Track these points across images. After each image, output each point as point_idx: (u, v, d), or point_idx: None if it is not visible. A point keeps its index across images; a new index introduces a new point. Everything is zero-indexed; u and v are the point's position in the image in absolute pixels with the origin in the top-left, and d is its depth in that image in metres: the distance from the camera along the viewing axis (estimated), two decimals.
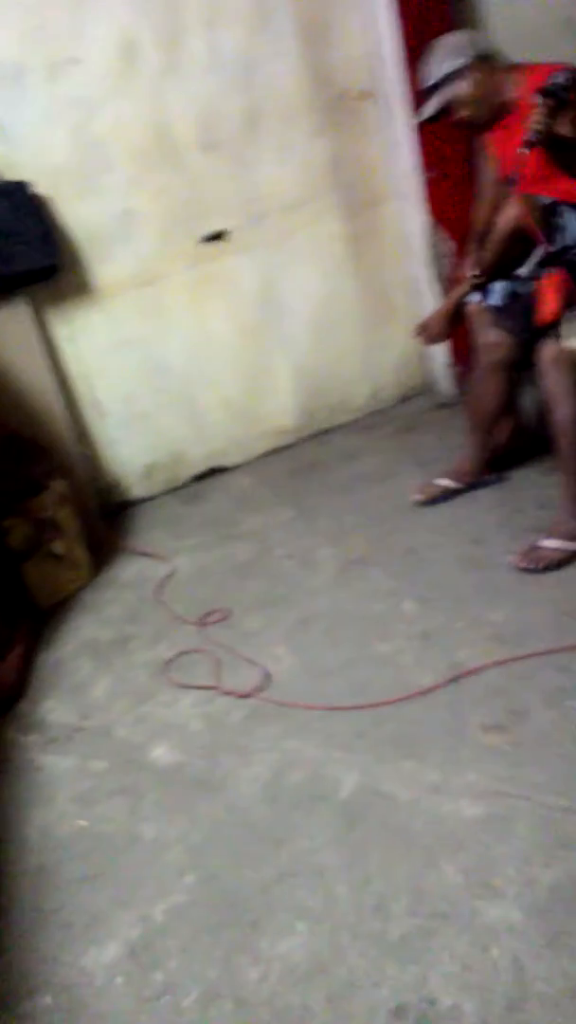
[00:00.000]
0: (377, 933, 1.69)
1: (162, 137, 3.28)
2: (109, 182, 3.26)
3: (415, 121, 2.84)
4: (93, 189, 3.24)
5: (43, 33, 3.01)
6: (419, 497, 3.09)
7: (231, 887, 1.87)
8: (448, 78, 2.63)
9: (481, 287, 2.97)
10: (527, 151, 2.48)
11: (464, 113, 2.67)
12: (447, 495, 3.08)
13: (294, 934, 1.73)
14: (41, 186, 3.10)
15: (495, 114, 2.66)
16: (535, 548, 2.61)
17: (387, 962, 1.63)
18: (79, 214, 3.24)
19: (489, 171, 2.92)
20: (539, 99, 2.43)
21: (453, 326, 3.10)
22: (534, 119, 2.46)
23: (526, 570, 2.59)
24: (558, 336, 2.51)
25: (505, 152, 2.71)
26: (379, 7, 3.31)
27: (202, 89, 3.27)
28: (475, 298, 3.00)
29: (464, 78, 2.62)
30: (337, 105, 3.45)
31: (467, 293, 3.01)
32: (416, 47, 3.27)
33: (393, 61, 3.35)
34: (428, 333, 3.12)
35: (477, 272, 2.96)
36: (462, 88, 2.62)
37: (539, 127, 2.43)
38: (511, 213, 2.81)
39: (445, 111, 2.69)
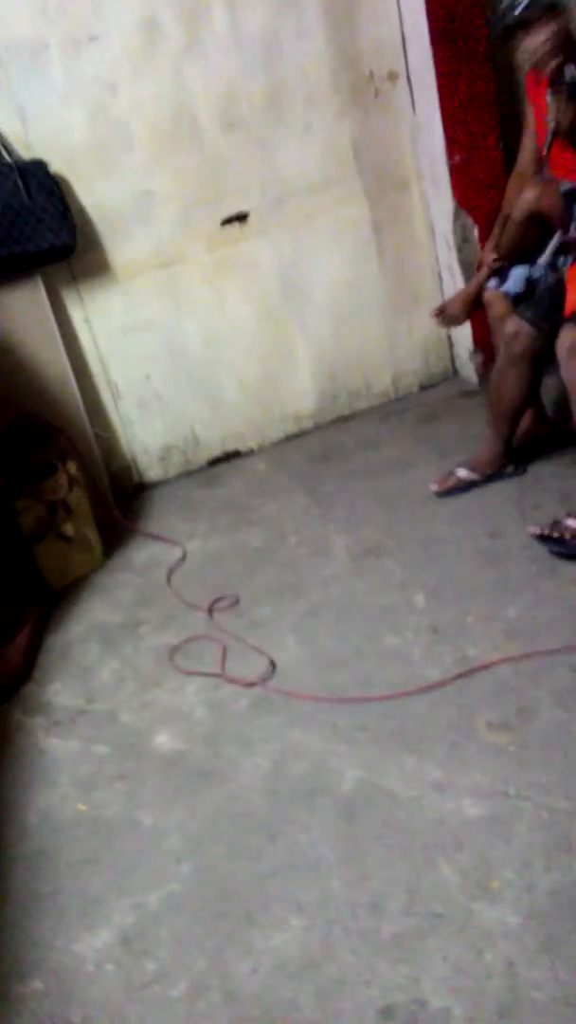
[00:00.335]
0: (370, 931, 1.67)
1: (183, 117, 3.23)
2: (129, 162, 3.22)
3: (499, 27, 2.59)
4: (112, 169, 3.20)
5: (62, 10, 2.96)
6: (436, 487, 3.04)
7: (226, 878, 1.85)
8: (532, 7, 2.45)
9: (499, 272, 2.94)
10: (548, 147, 2.47)
11: (532, 49, 2.48)
12: (465, 486, 3.02)
13: (287, 928, 1.71)
14: (59, 166, 3.07)
15: (552, 73, 2.49)
16: (556, 523, 2.56)
17: (379, 961, 1.61)
18: (98, 194, 3.20)
19: (530, 141, 2.87)
20: (551, 94, 2.39)
21: (473, 310, 3.07)
22: (550, 114, 2.42)
23: (542, 537, 2.54)
24: None
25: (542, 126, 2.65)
26: None
27: (224, 68, 3.22)
28: (492, 284, 2.96)
29: (544, 20, 2.44)
30: (363, 86, 3.39)
31: (487, 278, 2.98)
32: (445, 29, 3.22)
33: (421, 43, 3.28)
34: (446, 315, 3.10)
35: (495, 256, 2.93)
36: (541, 27, 2.45)
37: (556, 122, 2.40)
38: (528, 196, 2.75)
39: (512, 35, 2.50)
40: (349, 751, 2.08)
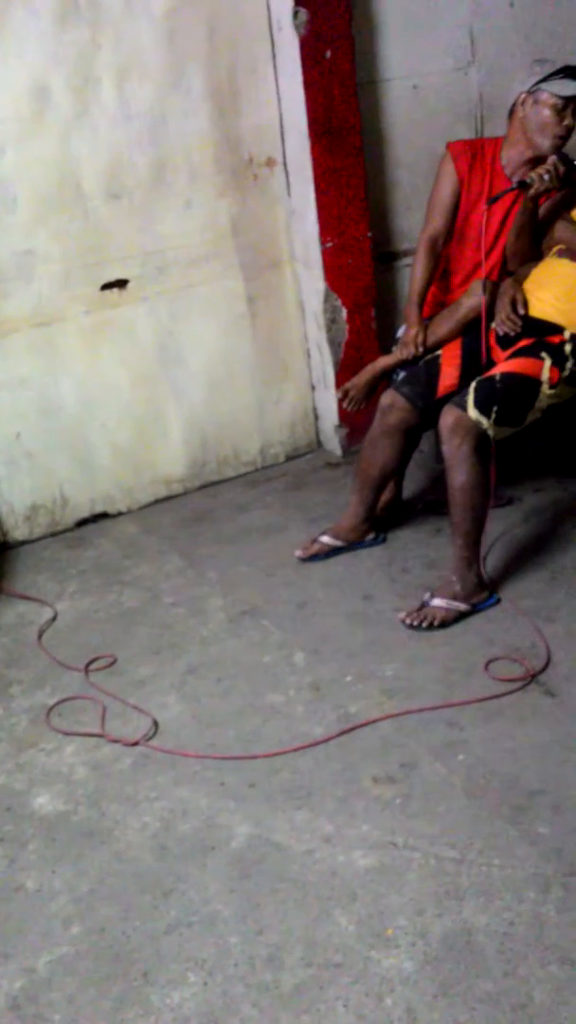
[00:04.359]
0: (270, 983, 1.68)
1: (68, 183, 3.28)
2: (11, 221, 3.23)
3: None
4: None
5: None
6: (300, 553, 3.11)
7: (120, 938, 1.82)
8: None
9: (415, 360, 3.00)
10: (522, 188, 2.77)
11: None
12: (329, 552, 3.11)
13: (185, 985, 1.70)
14: None
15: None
16: (423, 606, 2.69)
17: (281, 1013, 1.62)
18: None
19: (442, 217, 3.09)
20: (554, 159, 2.72)
21: (374, 390, 3.15)
22: (541, 170, 2.71)
23: (413, 627, 2.66)
24: (460, 404, 2.61)
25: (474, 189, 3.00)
26: (287, 82, 3.44)
27: (111, 139, 3.30)
28: (401, 375, 3.03)
29: None
30: (243, 169, 3.55)
31: (401, 363, 3.05)
32: (321, 123, 3.43)
33: (299, 134, 3.48)
34: (351, 398, 3.18)
35: (422, 346, 2.98)
36: None
37: (540, 180, 2.70)
38: (475, 303, 2.86)
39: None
40: (238, 807, 2.11)
